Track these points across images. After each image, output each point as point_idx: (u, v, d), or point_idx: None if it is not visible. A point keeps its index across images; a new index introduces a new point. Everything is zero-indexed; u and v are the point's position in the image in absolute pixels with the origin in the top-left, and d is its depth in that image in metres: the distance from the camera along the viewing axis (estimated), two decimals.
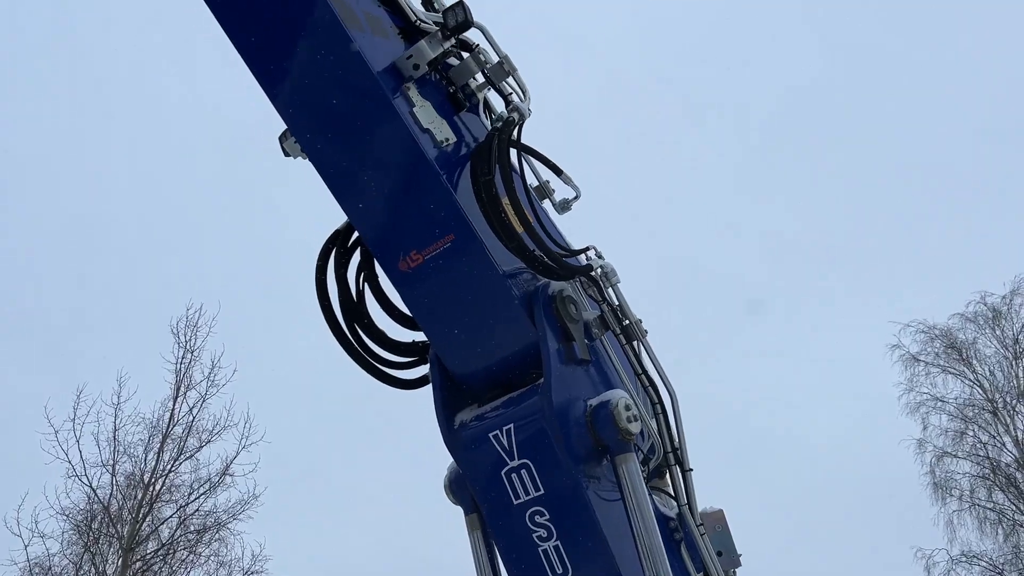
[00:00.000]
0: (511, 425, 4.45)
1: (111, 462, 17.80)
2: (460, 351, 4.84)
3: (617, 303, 5.30)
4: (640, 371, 5.19)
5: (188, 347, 18.76)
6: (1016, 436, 22.40)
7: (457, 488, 4.90)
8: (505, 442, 4.44)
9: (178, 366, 18.63)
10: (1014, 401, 22.70)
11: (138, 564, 17.60)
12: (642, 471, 4.85)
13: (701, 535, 4.97)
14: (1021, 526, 21.73)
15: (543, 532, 4.36)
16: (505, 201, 4.61)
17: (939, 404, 23.46)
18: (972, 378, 23.42)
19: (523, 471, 4.40)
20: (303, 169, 4.85)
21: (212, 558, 18.22)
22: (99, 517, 17.80)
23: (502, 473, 4.44)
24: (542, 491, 4.36)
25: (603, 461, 4.45)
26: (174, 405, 18.45)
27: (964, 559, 21.85)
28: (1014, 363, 23.22)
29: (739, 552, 5.29)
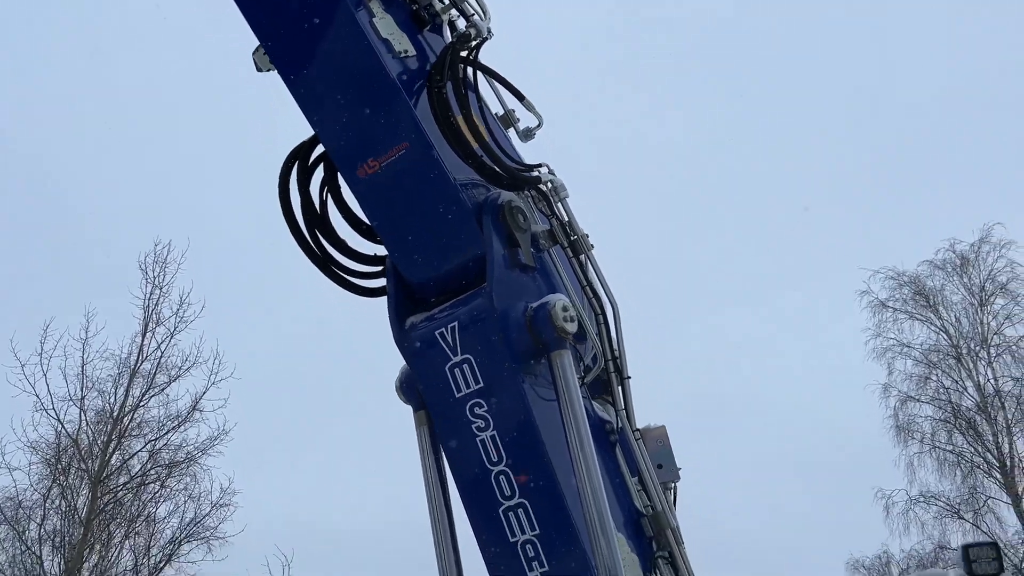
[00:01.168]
0: (455, 323, 4.91)
1: (79, 397, 18.20)
2: (414, 258, 5.27)
3: (566, 218, 5.74)
4: (585, 283, 5.66)
5: (156, 283, 19.09)
6: (978, 381, 23.29)
7: (407, 388, 5.38)
8: (450, 339, 4.90)
9: (146, 302, 18.97)
10: (978, 347, 23.55)
11: (108, 497, 18.10)
12: (583, 378, 5.34)
13: (636, 439, 5.45)
14: (978, 467, 22.73)
15: (481, 423, 4.83)
16: (460, 119, 5.01)
17: (905, 350, 24.29)
18: (938, 324, 24.23)
19: (465, 365, 4.87)
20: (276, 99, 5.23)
21: (182, 492, 18.76)
22: (68, 451, 18.24)
23: (446, 368, 4.90)
24: (481, 384, 4.83)
25: (541, 361, 4.91)
26: (143, 341, 18.83)
27: (922, 499, 22.89)
28: (980, 310, 24.02)
29: (679, 467, 5.80)
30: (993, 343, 23.44)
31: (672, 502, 5.62)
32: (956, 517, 22.53)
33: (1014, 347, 23.10)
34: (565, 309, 4.90)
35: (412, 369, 5.22)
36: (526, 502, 4.69)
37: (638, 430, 5.63)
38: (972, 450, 22.89)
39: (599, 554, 4.35)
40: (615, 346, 5.54)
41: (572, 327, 4.89)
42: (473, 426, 4.84)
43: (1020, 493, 21.87)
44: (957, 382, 23.53)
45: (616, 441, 5.33)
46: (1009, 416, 22.66)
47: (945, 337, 23.97)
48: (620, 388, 5.47)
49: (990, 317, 23.80)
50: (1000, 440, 22.63)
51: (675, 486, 5.74)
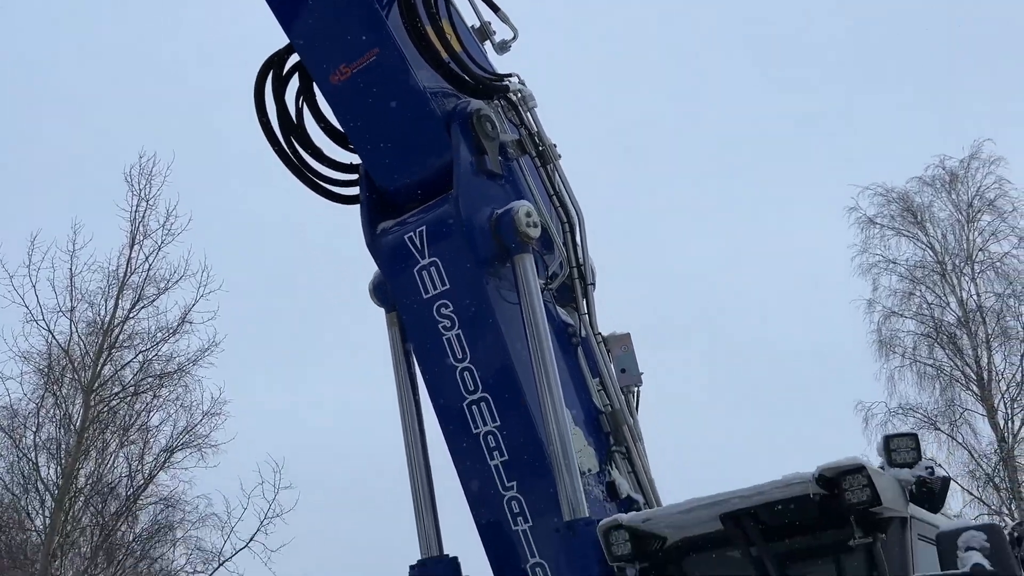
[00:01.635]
0: (423, 228, 5.17)
1: (69, 308, 18.50)
2: (385, 164, 5.50)
3: (535, 128, 5.95)
4: (552, 192, 5.90)
5: (143, 196, 19.18)
6: (961, 297, 23.74)
7: (379, 290, 5.67)
8: (418, 242, 5.17)
9: (133, 214, 19.10)
10: (962, 264, 23.92)
11: (101, 406, 18.59)
12: (549, 284, 5.62)
13: (598, 343, 5.77)
14: (957, 381, 23.37)
15: (447, 323, 5.15)
16: (429, 27, 5.17)
17: (890, 266, 24.65)
18: (924, 241, 24.54)
19: (432, 268, 5.16)
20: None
21: (174, 402, 19.26)
22: (60, 361, 18.65)
23: (414, 270, 5.18)
24: (448, 286, 5.12)
25: (506, 264, 5.19)
26: (131, 253, 19.04)
27: (901, 411, 23.56)
28: (966, 226, 24.31)
29: (641, 372, 6.13)
30: (977, 259, 23.81)
31: (635, 405, 5.99)
32: (932, 428, 23.24)
33: (998, 263, 23.47)
34: (528, 215, 5.16)
35: (383, 272, 5.51)
36: (488, 396, 5.03)
37: (600, 334, 5.96)
38: (951, 364, 23.48)
39: (554, 444, 4.70)
40: (580, 254, 5.82)
41: (535, 232, 5.16)
42: (439, 325, 5.15)
43: (995, 405, 22.55)
44: (940, 298, 23.98)
45: (578, 344, 5.65)
46: (989, 331, 23.18)
47: (931, 253, 24.32)
48: (583, 294, 5.77)
49: (976, 234, 24.11)
50: (979, 354, 23.21)
51: (637, 390, 6.10)
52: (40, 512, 18.04)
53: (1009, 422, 22.39)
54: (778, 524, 3.86)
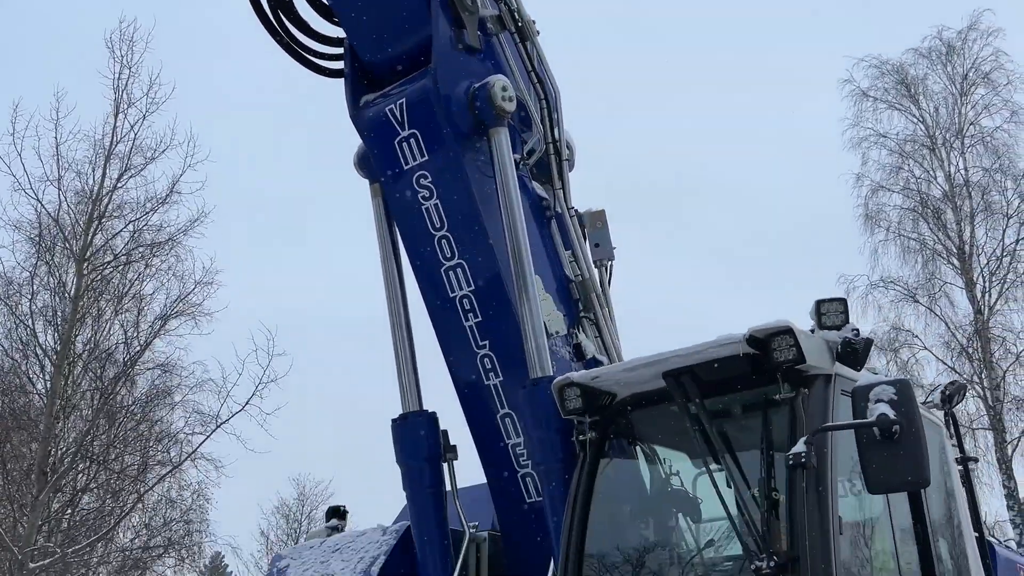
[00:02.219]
0: (403, 100, 5.42)
1: (56, 177, 18.66)
2: (368, 37, 5.69)
3: (515, 4, 6.11)
4: (531, 68, 6.12)
5: (125, 62, 19.03)
6: (948, 171, 24.02)
7: (363, 162, 5.96)
8: (398, 114, 5.43)
9: (116, 82, 19.00)
10: (952, 137, 24.08)
11: (94, 275, 19.02)
12: (525, 159, 5.91)
13: (571, 216, 6.10)
14: (939, 255, 23.92)
15: (426, 192, 5.46)
16: None
17: (881, 139, 24.81)
18: (916, 114, 24.61)
19: (412, 140, 5.43)
20: None
21: (166, 271, 19.70)
22: (51, 230, 18.95)
23: (395, 142, 5.46)
24: (426, 157, 5.41)
25: (483, 138, 5.46)
26: (115, 122, 19.05)
27: (882, 284, 24.22)
28: (959, 100, 24.33)
29: (614, 247, 6.48)
30: (968, 133, 23.96)
31: (608, 278, 6.37)
32: (912, 301, 23.96)
33: (988, 138, 23.65)
34: (504, 89, 5.40)
35: (365, 144, 5.78)
36: (464, 263, 5.41)
37: (575, 209, 6.30)
38: (934, 238, 23.98)
39: (522, 307, 5.10)
40: (555, 131, 6.09)
41: (510, 106, 5.41)
42: (419, 196, 5.47)
43: (974, 279, 23.19)
44: (928, 172, 24.26)
45: (552, 217, 5.99)
46: (974, 205, 23.57)
47: (922, 127, 24.43)
48: (559, 170, 6.07)
49: (968, 107, 24.16)
50: (962, 228, 23.68)
51: (611, 264, 6.47)
52: (40, 376, 18.75)
53: (986, 295, 23.08)
54: (714, 381, 4.21)
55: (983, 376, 22.73)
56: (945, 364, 23.62)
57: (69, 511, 19.15)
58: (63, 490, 18.63)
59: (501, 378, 5.38)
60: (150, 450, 20.03)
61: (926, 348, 23.78)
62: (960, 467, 5.50)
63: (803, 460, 3.67)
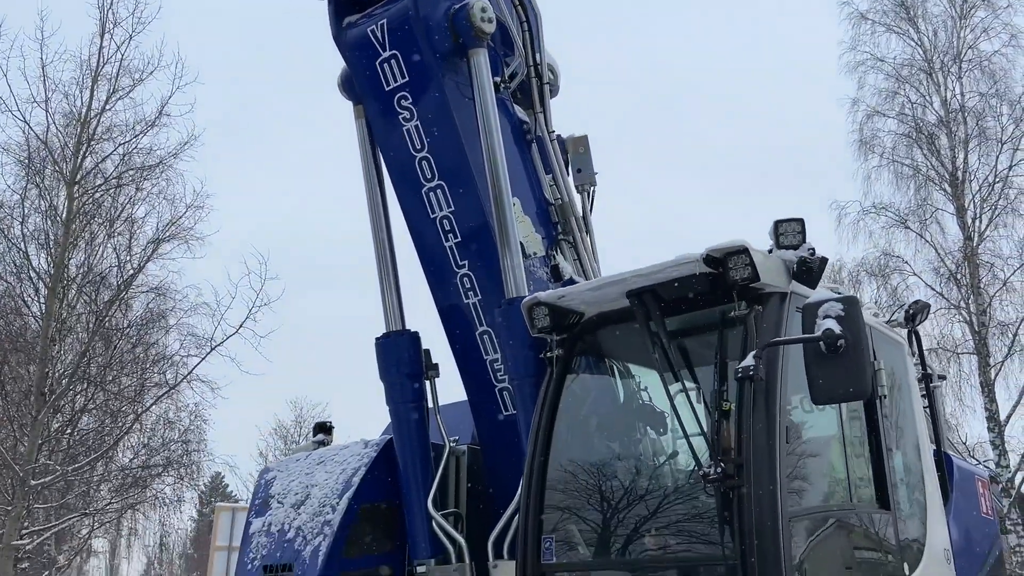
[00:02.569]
0: (384, 21, 5.47)
1: (44, 99, 18.53)
2: None
3: None
4: None
5: None
6: (944, 96, 23.91)
7: (346, 84, 6.03)
8: (379, 35, 5.49)
9: (101, 0, 18.73)
10: (950, 62, 23.89)
11: (86, 198, 19.06)
12: (505, 82, 5.98)
13: (552, 140, 6.19)
14: (931, 181, 23.96)
15: (406, 114, 5.56)
16: None
17: (878, 64, 24.62)
18: (914, 38, 24.38)
19: (392, 61, 5.50)
20: None
21: (158, 195, 19.74)
22: (40, 152, 18.91)
23: (376, 63, 5.53)
24: (407, 79, 5.49)
25: (463, 59, 5.52)
26: (101, 42, 18.84)
27: (874, 210, 24.32)
28: (958, 23, 24.08)
29: (596, 172, 6.58)
30: (966, 58, 23.77)
31: (590, 203, 6.50)
32: (903, 227, 24.10)
33: (985, 62, 23.47)
34: (484, 10, 5.46)
35: (347, 65, 5.85)
36: (444, 184, 5.54)
37: (556, 133, 6.39)
38: (928, 164, 23.99)
39: (500, 227, 5.24)
40: (536, 54, 6.15)
41: (489, 28, 5.47)
42: (399, 117, 5.57)
43: (965, 205, 23.29)
44: (924, 97, 24.14)
45: (532, 141, 6.09)
46: (968, 130, 23.52)
47: (919, 51, 24.22)
48: (539, 94, 6.15)
49: (967, 31, 23.91)
50: (955, 154, 23.67)
51: (592, 189, 6.58)
52: (36, 299, 18.93)
53: (977, 221, 23.22)
54: (675, 299, 4.35)
55: (970, 301, 23.02)
56: (934, 290, 23.88)
57: (69, 431, 19.55)
58: (62, 411, 19.01)
59: (479, 297, 5.56)
60: (147, 372, 20.36)
61: (915, 274, 24.02)
62: (922, 384, 5.72)
63: (751, 373, 3.82)
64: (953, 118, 23.61)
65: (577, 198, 6.33)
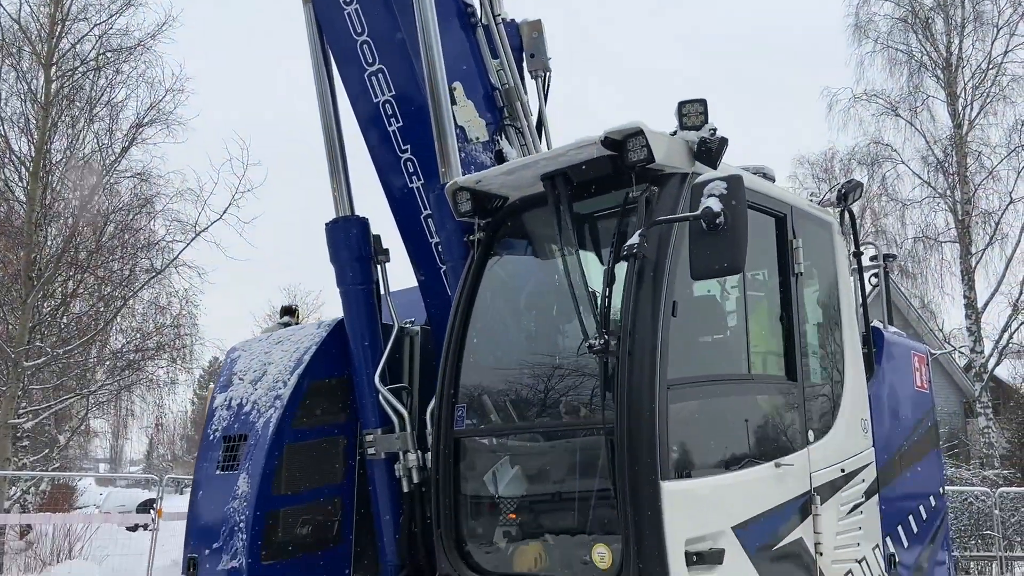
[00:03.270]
0: None
1: None
2: None
3: None
4: None
5: None
6: None
7: None
8: None
9: None
10: None
11: (63, 80, 18.93)
12: None
13: (497, 24, 6.20)
14: (925, 67, 23.73)
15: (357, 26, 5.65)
16: None
17: None
18: None
19: None
20: None
21: (137, 77, 19.60)
22: (14, 34, 18.66)
23: None
24: None
25: None
26: None
27: (865, 97, 24.18)
28: None
29: (550, 57, 6.60)
30: None
31: (544, 89, 6.56)
32: (893, 115, 24.01)
33: None
34: None
35: None
36: (384, 68, 5.65)
37: (508, 17, 6.41)
38: (922, 49, 23.72)
39: (435, 105, 5.35)
40: None
41: None
42: (349, 27, 5.65)
43: (957, 92, 23.13)
44: None
45: (477, 24, 6.14)
46: (965, 14, 23.15)
47: None
48: None
49: None
50: (950, 39, 23.37)
51: (547, 75, 6.63)
52: (19, 184, 19.02)
53: (968, 108, 23.13)
54: (586, 182, 4.49)
55: (956, 190, 23.14)
56: (920, 178, 23.99)
57: (63, 315, 19.93)
58: (53, 296, 19.36)
59: (422, 181, 5.72)
60: (135, 258, 20.64)
61: (903, 162, 24.07)
62: (853, 261, 5.88)
63: (634, 251, 4.00)
64: (950, 2, 23.19)
65: (532, 84, 6.41)
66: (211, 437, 5.75)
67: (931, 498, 6.22)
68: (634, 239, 4.03)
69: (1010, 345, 22.47)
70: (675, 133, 4.40)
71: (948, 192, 23.20)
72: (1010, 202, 22.65)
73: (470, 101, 5.80)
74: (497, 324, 5.19)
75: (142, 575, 13.78)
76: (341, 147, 6.12)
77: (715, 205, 3.77)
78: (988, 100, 22.81)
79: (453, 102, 5.53)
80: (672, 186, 4.27)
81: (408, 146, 5.72)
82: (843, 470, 5.05)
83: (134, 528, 20.43)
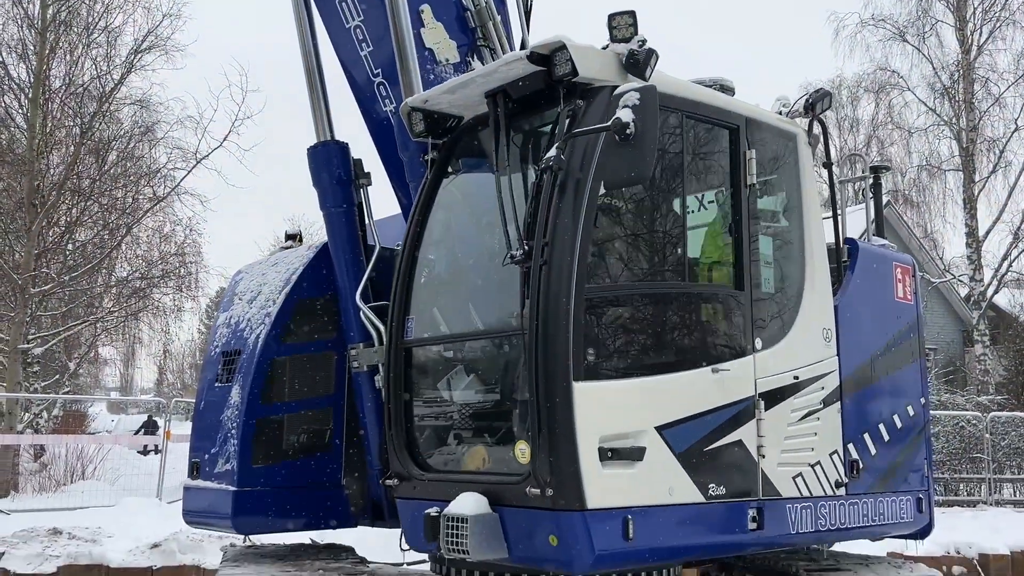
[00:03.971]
0: None
1: None
2: None
3: None
4: None
5: None
6: None
7: None
8: None
9: None
10: None
11: (59, 5, 18.92)
12: None
13: None
14: None
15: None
16: None
17: None
18: None
19: None
20: None
21: (135, 3, 19.59)
22: None
23: None
24: None
25: None
26: None
27: (872, 22, 23.88)
28: None
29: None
30: None
31: (527, 10, 6.63)
32: (900, 40, 23.74)
33: None
34: None
35: None
36: (362, 8, 5.84)
37: None
38: None
39: (396, 27, 5.48)
40: None
41: None
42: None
43: (966, 16, 22.82)
44: None
45: None
46: None
47: None
48: None
49: None
50: None
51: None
52: (19, 111, 19.17)
53: (976, 32, 22.84)
54: (524, 98, 4.58)
55: (961, 117, 23.00)
56: (926, 105, 23.84)
57: (67, 243, 20.24)
58: (57, 223, 19.66)
59: (394, 104, 5.92)
60: (137, 185, 20.88)
61: (910, 89, 23.89)
62: (824, 171, 5.91)
63: (551, 164, 4.11)
64: None
65: (512, 4, 6.48)
66: (212, 353, 6.14)
67: (908, 407, 6.18)
68: (551, 152, 4.13)
69: (1009, 273, 22.60)
70: (607, 47, 4.45)
71: (953, 119, 23.06)
72: (1015, 129, 22.53)
73: (439, 23, 5.91)
74: (446, 241, 5.37)
75: (152, 493, 14.44)
76: (320, 71, 6.29)
77: (625, 116, 3.84)
78: (998, 24, 22.52)
79: (421, 24, 5.69)
80: (601, 100, 4.31)
81: (379, 70, 5.88)
82: (796, 377, 5.16)
83: (145, 451, 21.13)
